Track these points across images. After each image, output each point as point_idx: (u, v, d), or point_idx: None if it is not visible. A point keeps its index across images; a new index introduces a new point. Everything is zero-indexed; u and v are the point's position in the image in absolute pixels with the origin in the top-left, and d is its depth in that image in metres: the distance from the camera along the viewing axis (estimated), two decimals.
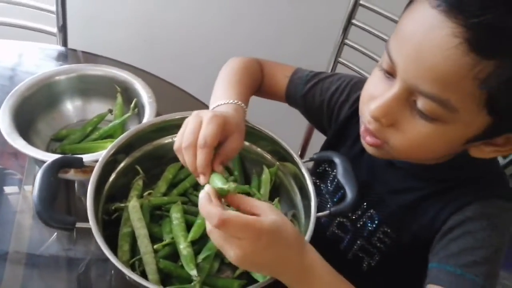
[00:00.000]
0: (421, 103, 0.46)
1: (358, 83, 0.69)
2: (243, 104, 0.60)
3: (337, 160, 0.62)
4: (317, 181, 0.74)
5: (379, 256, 0.66)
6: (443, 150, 0.51)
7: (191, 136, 0.49)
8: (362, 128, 0.55)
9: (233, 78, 0.67)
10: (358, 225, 0.67)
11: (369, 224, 0.65)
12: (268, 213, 0.44)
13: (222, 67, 0.72)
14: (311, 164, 0.74)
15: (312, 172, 0.75)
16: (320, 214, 0.56)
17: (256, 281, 0.54)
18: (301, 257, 0.46)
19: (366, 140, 0.54)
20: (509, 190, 0.57)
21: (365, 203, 0.66)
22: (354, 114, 0.66)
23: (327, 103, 0.70)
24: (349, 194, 0.57)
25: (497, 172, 0.59)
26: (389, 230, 0.63)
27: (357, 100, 0.65)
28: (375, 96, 0.50)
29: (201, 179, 0.49)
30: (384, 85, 0.49)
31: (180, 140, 0.51)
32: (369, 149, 0.55)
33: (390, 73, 0.49)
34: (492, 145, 0.49)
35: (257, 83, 0.73)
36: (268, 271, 0.47)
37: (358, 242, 0.67)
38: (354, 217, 0.68)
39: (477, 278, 0.49)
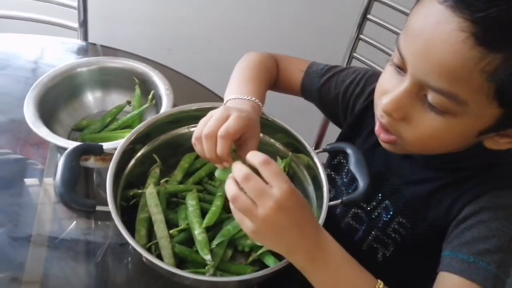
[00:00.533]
0: (431, 97, 0.46)
1: (373, 76, 0.69)
2: (259, 102, 0.61)
3: (349, 150, 0.62)
4: (332, 173, 0.75)
5: (394, 247, 0.66)
6: (455, 142, 0.51)
7: (214, 126, 0.51)
8: (377, 125, 0.56)
9: (249, 73, 0.68)
10: (373, 216, 0.68)
11: (384, 215, 0.66)
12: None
13: (238, 61, 0.73)
14: (326, 156, 0.75)
15: (327, 164, 0.76)
16: (332, 203, 0.57)
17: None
18: (317, 233, 0.47)
19: (381, 138, 0.55)
20: None
21: (380, 194, 0.66)
22: (369, 107, 0.66)
23: (342, 96, 0.71)
24: (361, 184, 0.58)
25: None
26: (404, 221, 0.64)
27: (372, 92, 0.65)
28: (387, 90, 0.51)
29: (224, 164, 0.51)
30: (396, 80, 0.50)
31: (202, 128, 0.52)
32: (385, 145, 0.57)
33: (401, 68, 0.49)
34: (507, 136, 0.49)
35: (272, 78, 0.74)
36: (286, 241, 0.47)
37: (373, 233, 0.68)
38: (369, 208, 0.68)
39: (490, 266, 0.49)
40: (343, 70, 0.73)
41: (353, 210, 0.71)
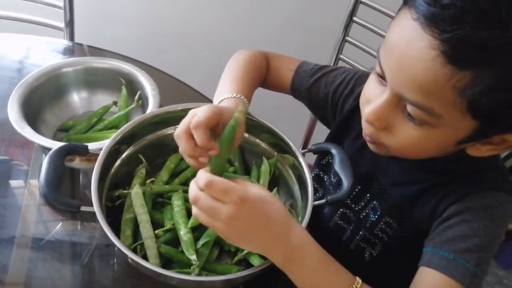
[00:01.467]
0: (409, 108, 0.48)
1: (362, 77, 0.70)
2: (245, 99, 0.62)
3: (334, 151, 0.63)
4: (321, 173, 0.76)
5: (381, 247, 0.67)
6: (435, 150, 0.53)
7: (184, 124, 0.52)
8: (363, 130, 0.57)
9: (238, 73, 0.69)
10: (361, 216, 0.68)
11: (372, 215, 0.67)
12: (253, 186, 0.47)
13: (229, 60, 0.73)
14: (313, 156, 0.75)
15: (316, 164, 0.77)
16: (316, 202, 0.58)
17: None
18: (289, 233, 0.48)
19: (367, 140, 0.57)
20: (509, 183, 0.58)
21: (368, 195, 0.67)
22: (357, 108, 0.67)
23: (332, 96, 0.72)
24: (345, 183, 0.59)
25: (498, 165, 0.60)
26: (391, 221, 0.65)
27: (361, 93, 0.67)
28: (370, 100, 0.53)
29: (201, 159, 0.51)
30: (378, 90, 0.52)
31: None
32: (372, 148, 0.58)
33: (383, 78, 0.51)
34: (489, 144, 0.50)
35: (262, 77, 0.74)
36: (258, 245, 0.48)
37: (361, 232, 0.69)
38: (357, 208, 0.69)
39: (468, 264, 0.51)
40: (333, 70, 0.73)
41: (341, 210, 0.71)
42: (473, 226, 0.53)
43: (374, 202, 0.67)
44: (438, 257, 0.52)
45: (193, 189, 0.47)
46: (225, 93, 0.63)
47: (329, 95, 0.72)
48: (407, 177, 0.62)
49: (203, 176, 0.46)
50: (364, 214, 0.68)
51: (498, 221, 0.54)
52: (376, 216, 0.66)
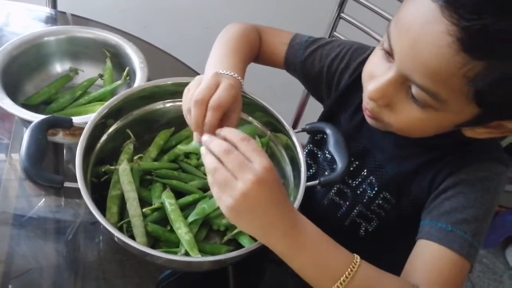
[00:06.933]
0: (414, 91, 0.48)
1: (358, 50, 0.68)
2: (240, 78, 0.59)
3: (328, 131, 0.62)
4: (315, 148, 0.75)
5: (378, 222, 0.67)
6: (434, 131, 0.53)
7: (206, 92, 0.50)
8: (363, 104, 0.56)
9: (231, 47, 0.66)
10: (358, 192, 0.68)
11: (369, 191, 0.67)
12: None
13: (221, 32, 0.70)
14: (305, 136, 0.74)
15: (310, 140, 0.76)
16: (309, 183, 0.57)
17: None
18: (294, 214, 0.47)
19: (366, 114, 0.56)
20: (502, 154, 0.59)
21: (365, 170, 0.67)
22: (355, 82, 0.66)
23: (327, 70, 0.69)
24: (339, 165, 0.58)
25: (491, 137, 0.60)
26: (389, 196, 0.65)
27: (357, 67, 0.66)
28: (374, 75, 0.52)
29: (204, 137, 0.49)
30: (383, 66, 0.51)
31: (192, 93, 0.52)
32: (370, 121, 0.57)
33: (390, 54, 0.49)
34: (485, 127, 0.50)
35: (254, 52, 0.71)
36: (262, 221, 0.46)
37: (357, 208, 0.69)
38: (354, 184, 0.69)
39: (466, 235, 0.51)
40: (328, 43, 0.71)
41: (337, 186, 0.71)
42: (470, 198, 0.54)
43: (371, 178, 0.66)
44: (436, 229, 0.53)
45: (221, 143, 0.45)
46: (217, 68, 0.60)
47: (324, 69, 0.69)
48: (402, 152, 0.62)
49: (237, 132, 0.45)
50: (361, 189, 0.68)
51: (493, 192, 0.55)
52: (374, 192, 0.66)
